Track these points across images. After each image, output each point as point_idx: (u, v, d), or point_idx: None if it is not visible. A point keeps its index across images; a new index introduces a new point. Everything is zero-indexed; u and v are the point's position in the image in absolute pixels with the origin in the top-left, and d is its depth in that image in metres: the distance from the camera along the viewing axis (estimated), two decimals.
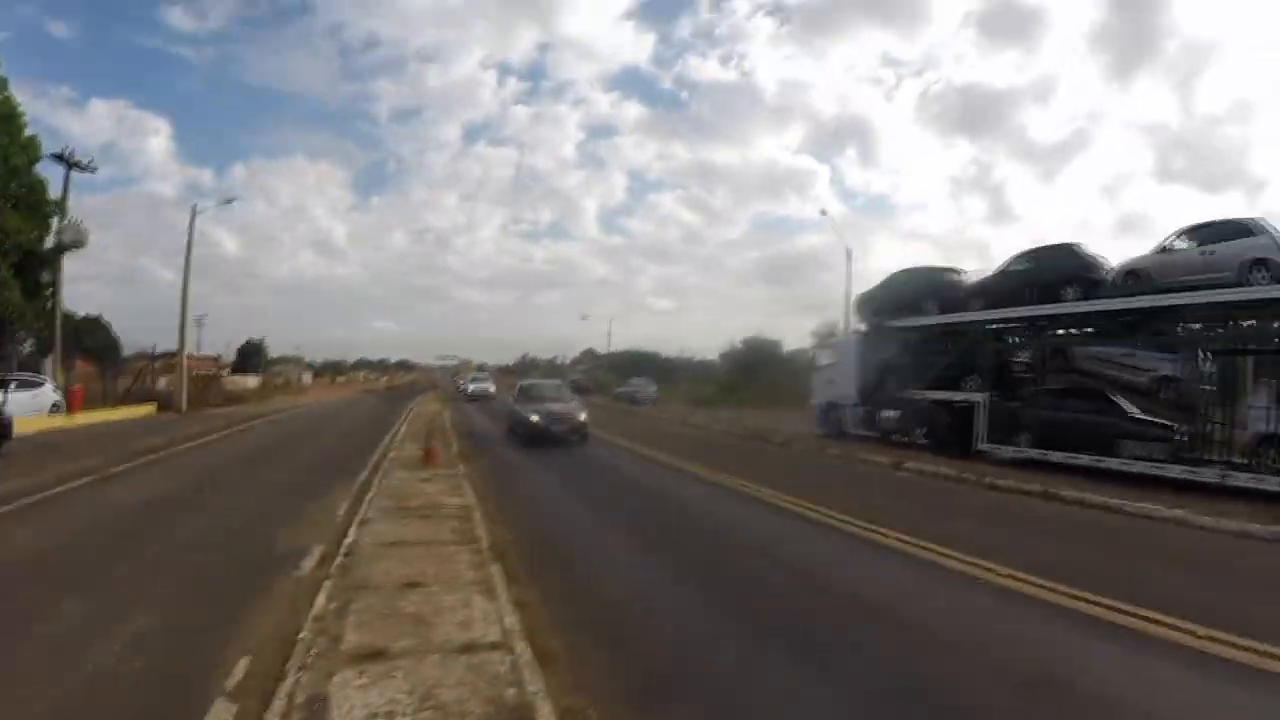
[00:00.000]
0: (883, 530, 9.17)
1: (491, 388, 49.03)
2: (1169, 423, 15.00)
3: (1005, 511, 11.39)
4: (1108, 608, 6.07)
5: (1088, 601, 6.25)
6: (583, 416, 19.88)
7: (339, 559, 6.66)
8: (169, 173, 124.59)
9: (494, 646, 4.61)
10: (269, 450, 18.76)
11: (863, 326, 23.37)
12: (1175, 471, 13.17)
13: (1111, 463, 14.20)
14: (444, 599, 5.50)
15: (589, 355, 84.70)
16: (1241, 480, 12.25)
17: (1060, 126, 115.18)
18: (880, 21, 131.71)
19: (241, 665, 4.56)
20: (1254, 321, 14.77)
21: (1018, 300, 17.23)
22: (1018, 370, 18.70)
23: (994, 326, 18.51)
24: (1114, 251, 15.54)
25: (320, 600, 5.44)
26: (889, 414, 20.90)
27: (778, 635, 5.61)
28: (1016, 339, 19.08)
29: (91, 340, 34.57)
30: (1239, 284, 13.08)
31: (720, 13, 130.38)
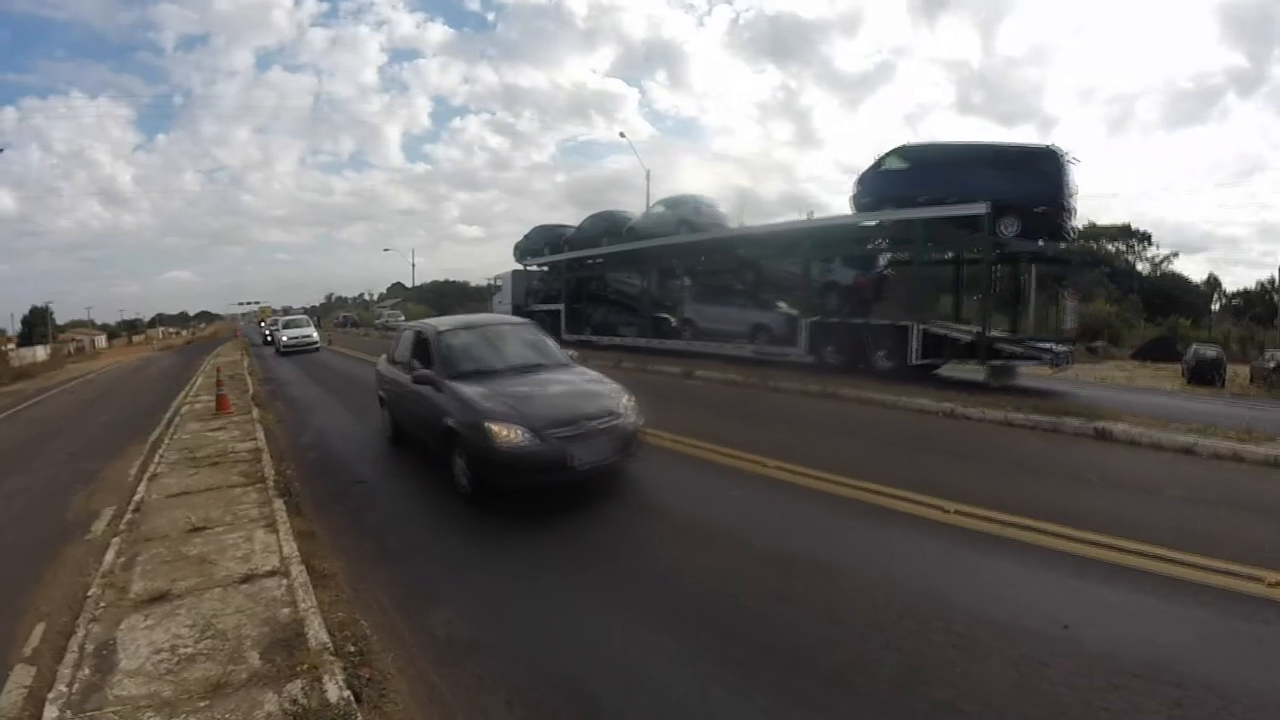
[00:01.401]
0: None
1: (315, 335, 35.52)
2: (665, 316, 22.10)
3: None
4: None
5: None
6: (626, 403, 6.83)
7: (128, 516, 6.48)
8: None
9: (271, 574, 4.80)
10: (59, 421, 16.82)
11: (517, 265, 29.47)
12: (665, 344, 20.13)
13: (623, 340, 21.85)
14: (227, 538, 5.60)
15: (397, 289, 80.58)
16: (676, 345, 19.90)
17: (867, 58, 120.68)
18: None
19: (37, 632, 4.58)
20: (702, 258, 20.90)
21: (588, 246, 24.25)
22: (584, 290, 25.73)
23: (568, 263, 25.38)
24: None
25: (109, 557, 5.40)
26: None
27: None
28: (581, 271, 25.50)
29: None
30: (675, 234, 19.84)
31: None
